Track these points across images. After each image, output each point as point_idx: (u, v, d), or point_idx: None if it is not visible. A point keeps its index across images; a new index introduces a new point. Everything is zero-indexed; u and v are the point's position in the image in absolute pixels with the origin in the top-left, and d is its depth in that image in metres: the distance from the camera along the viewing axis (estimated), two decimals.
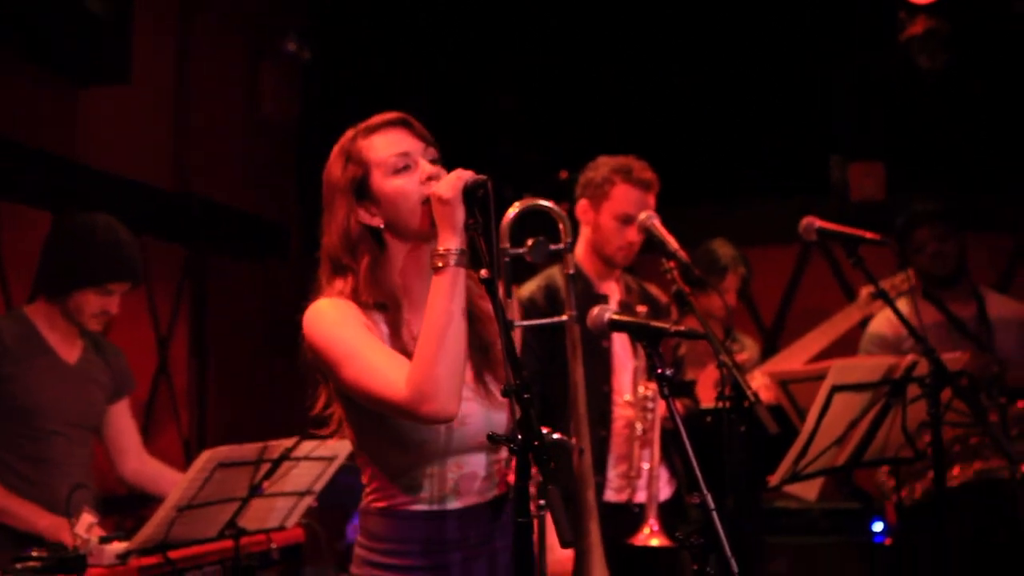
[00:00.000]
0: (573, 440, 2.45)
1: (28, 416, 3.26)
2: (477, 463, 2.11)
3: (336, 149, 2.17)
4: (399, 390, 1.96)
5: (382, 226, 2.11)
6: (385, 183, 2.10)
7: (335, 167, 2.15)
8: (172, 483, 3.46)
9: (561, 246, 2.45)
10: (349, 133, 2.17)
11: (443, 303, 1.98)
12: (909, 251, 4.26)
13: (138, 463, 3.61)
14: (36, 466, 3.27)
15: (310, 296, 2.13)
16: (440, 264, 1.99)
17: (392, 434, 2.05)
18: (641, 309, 3.37)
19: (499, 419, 2.12)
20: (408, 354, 2.05)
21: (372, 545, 2.11)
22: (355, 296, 2.09)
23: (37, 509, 3.17)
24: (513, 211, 2.45)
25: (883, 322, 4.17)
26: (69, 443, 3.34)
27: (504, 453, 2.15)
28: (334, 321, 2.06)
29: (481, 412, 2.10)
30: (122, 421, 3.59)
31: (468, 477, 2.10)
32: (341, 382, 2.05)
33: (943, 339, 3.96)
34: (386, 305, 2.11)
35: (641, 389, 3.36)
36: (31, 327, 3.34)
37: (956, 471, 3.79)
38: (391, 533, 2.09)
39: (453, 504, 2.09)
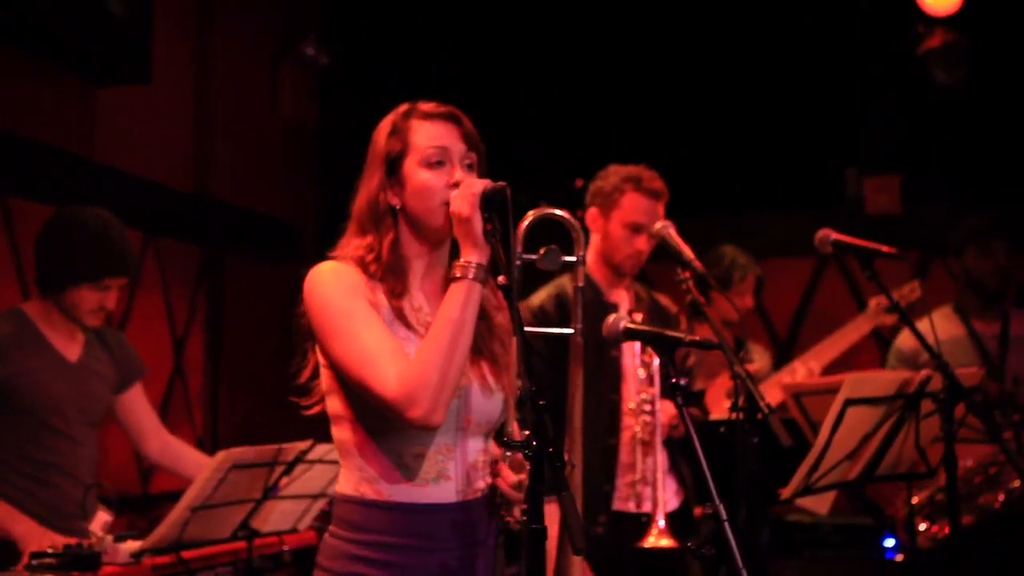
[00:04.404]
0: (566, 455, 2.45)
1: (30, 417, 3.21)
2: (468, 448, 2.09)
3: (390, 115, 2.18)
4: (389, 386, 1.94)
5: (398, 207, 2.12)
6: (414, 172, 2.10)
7: (382, 133, 2.16)
8: (195, 463, 3.48)
9: (574, 258, 2.45)
10: (405, 106, 2.17)
11: (455, 313, 1.98)
12: (971, 256, 4.19)
13: (159, 443, 3.60)
14: (41, 467, 3.23)
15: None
16: (459, 274, 2.00)
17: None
18: (637, 316, 3.36)
19: (494, 403, 2.11)
20: (407, 326, 2.06)
21: (352, 536, 2.05)
22: (362, 263, 2.09)
23: (13, 512, 3.10)
24: (528, 219, 2.46)
25: (905, 336, 4.15)
26: (73, 443, 3.30)
27: (492, 445, 2.13)
28: (335, 288, 2.04)
29: (477, 390, 2.09)
30: (137, 404, 3.56)
31: (458, 463, 2.07)
32: (331, 356, 2.03)
33: (961, 354, 3.94)
34: (387, 277, 2.10)
35: (642, 395, 3.35)
36: (29, 324, 3.27)
37: (982, 501, 3.76)
38: (377, 524, 2.03)
39: (446, 496, 2.05)
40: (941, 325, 3.92)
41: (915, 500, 3.65)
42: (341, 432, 2.10)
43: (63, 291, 3.26)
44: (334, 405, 2.10)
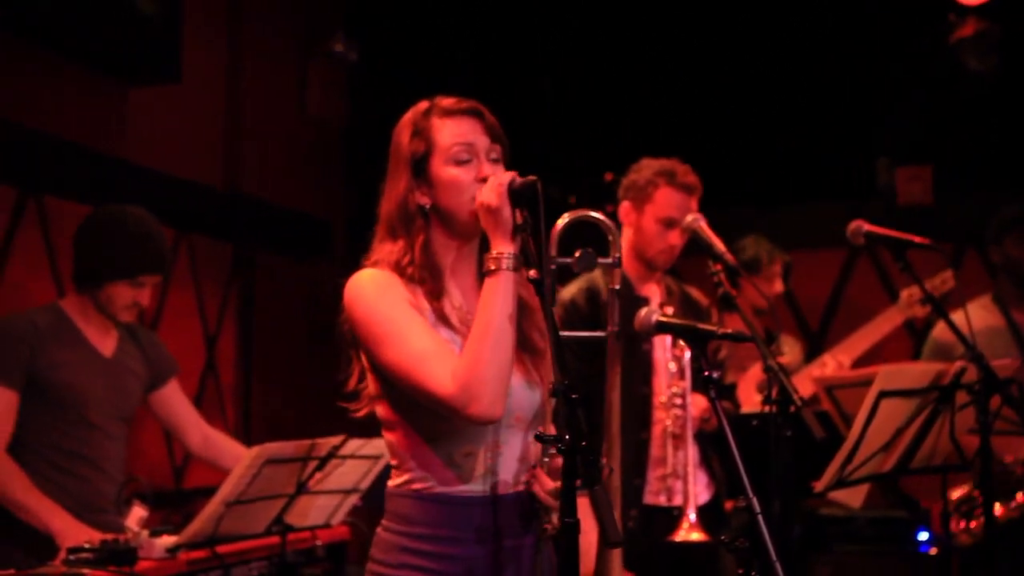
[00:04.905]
0: (604, 459, 2.45)
1: (65, 410, 3.27)
2: (515, 443, 2.11)
3: (409, 114, 2.17)
4: (445, 386, 1.96)
5: (429, 206, 2.12)
6: (442, 170, 2.11)
7: (403, 134, 2.15)
8: (236, 456, 3.51)
9: (609, 260, 2.44)
10: (424, 104, 2.17)
11: (496, 306, 1.99)
12: (1010, 243, 4.10)
13: (201, 437, 3.66)
14: (72, 460, 3.29)
15: (360, 264, 2.13)
16: (493, 267, 2.01)
17: (433, 411, 2.02)
18: (668, 310, 3.36)
19: (536, 395, 2.13)
20: (450, 326, 2.07)
21: (404, 529, 2.08)
22: (399, 267, 2.10)
23: (53, 506, 3.16)
24: (563, 221, 2.44)
25: (942, 327, 4.11)
26: (105, 437, 3.36)
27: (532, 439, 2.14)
28: (378, 296, 2.05)
29: (521, 384, 2.10)
30: (175, 400, 3.63)
31: (506, 458, 2.10)
32: (381, 363, 2.04)
33: (1000, 345, 3.89)
34: (426, 279, 2.10)
35: (673, 389, 3.34)
36: (66, 319, 3.34)
37: (1020, 497, 3.71)
38: (428, 517, 2.07)
39: (496, 489, 2.08)
40: (979, 315, 3.88)
41: (955, 496, 3.62)
42: (392, 436, 2.13)
43: (99, 287, 3.33)
44: (383, 410, 2.13)
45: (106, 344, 3.41)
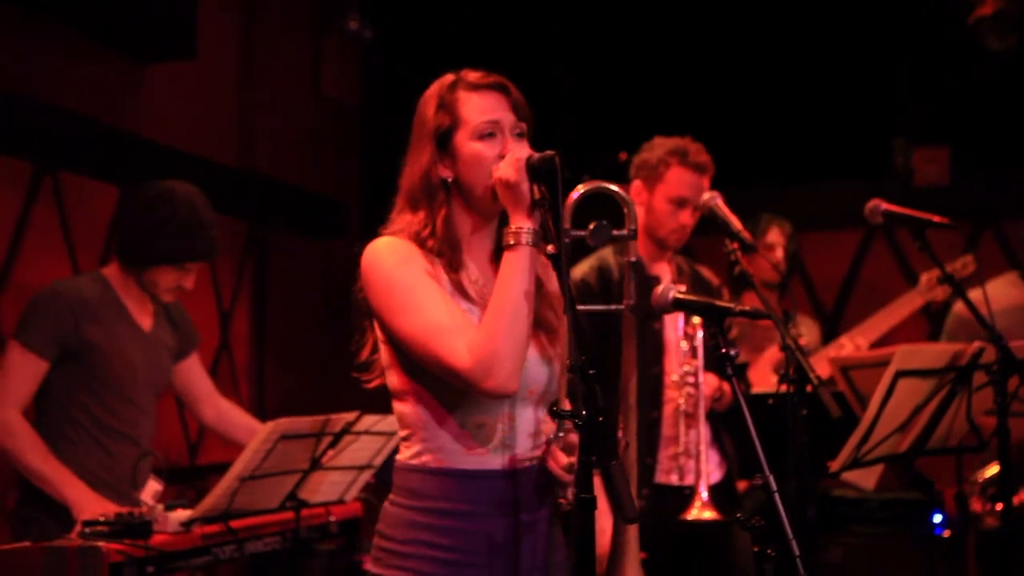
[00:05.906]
0: (620, 433, 2.44)
1: (108, 384, 3.27)
2: (528, 416, 2.11)
3: (435, 87, 2.15)
4: (462, 359, 1.95)
5: (451, 180, 2.11)
6: (466, 145, 2.09)
7: (428, 106, 2.13)
8: (248, 429, 3.54)
9: (624, 232, 2.42)
10: (449, 77, 2.15)
11: (514, 281, 1.98)
12: None
13: (215, 410, 3.68)
14: (110, 434, 3.30)
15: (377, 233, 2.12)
16: (512, 242, 2.00)
17: (446, 382, 2.01)
18: (681, 288, 3.34)
19: (549, 370, 2.12)
20: (468, 298, 2.06)
21: (414, 504, 2.07)
22: (419, 238, 2.08)
23: (69, 476, 3.15)
24: (578, 192, 2.42)
25: (962, 304, 4.08)
26: (140, 412, 3.37)
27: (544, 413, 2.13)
28: (397, 264, 2.03)
29: (536, 358, 2.09)
30: (194, 372, 3.65)
31: (520, 431, 2.09)
32: (396, 332, 2.02)
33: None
34: (445, 252, 2.09)
35: (685, 367, 3.33)
36: (111, 291, 3.34)
37: None
38: (439, 491, 2.05)
39: (507, 463, 2.06)
40: (1008, 292, 3.85)
41: (983, 477, 3.60)
42: (403, 406, 2.11)
43: (144, 268, 3.32)
44: (394, 380, 2.11)
45: (145, 319, 3.41)
